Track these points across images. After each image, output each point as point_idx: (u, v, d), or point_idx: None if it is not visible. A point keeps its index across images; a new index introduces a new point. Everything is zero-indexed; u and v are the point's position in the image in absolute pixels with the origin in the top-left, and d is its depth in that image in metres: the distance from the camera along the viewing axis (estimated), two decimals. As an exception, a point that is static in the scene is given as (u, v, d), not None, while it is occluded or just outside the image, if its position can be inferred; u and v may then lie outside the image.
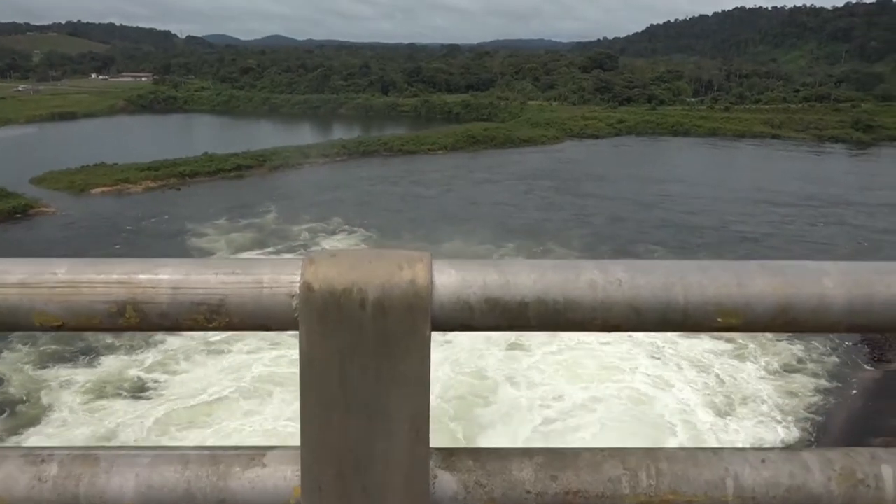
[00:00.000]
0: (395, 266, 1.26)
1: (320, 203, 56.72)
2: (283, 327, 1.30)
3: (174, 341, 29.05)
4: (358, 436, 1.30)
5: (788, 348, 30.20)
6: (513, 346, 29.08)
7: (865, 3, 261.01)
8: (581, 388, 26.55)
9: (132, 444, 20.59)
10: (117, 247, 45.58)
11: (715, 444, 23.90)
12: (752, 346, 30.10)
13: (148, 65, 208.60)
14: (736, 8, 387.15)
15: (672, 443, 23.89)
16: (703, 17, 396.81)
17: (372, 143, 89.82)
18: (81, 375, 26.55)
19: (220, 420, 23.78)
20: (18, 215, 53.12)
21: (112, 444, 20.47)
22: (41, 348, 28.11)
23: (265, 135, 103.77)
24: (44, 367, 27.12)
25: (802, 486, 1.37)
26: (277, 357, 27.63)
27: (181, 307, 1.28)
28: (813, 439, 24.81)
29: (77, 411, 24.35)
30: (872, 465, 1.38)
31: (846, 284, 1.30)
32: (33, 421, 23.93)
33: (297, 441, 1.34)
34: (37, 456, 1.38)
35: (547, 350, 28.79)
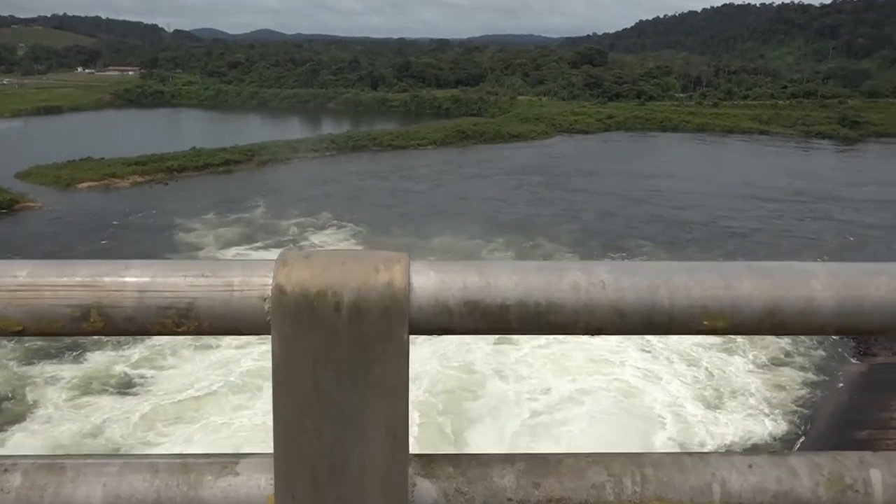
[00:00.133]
0: (371, 267, 1.23)
1: (309, 198, 56.48)
2: (254, 331, 1.26)
3: (161, 337, 28.74)
4: (333, 443, 1.26)
5: (776, 342, 30.39)
6: (501, 340, 29.07)
7: (852, 1, 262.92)
8: (569, 380, 26.63)
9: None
10: (104, 242, 45.22)
11: (706, 436, 24.06)
12: (740, 339, 30.26)
13: (135, 59, 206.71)
14: (724, 4, 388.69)
15: (662, 436, 24.01)
16: (692, 13, 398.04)
17: (361, 137, 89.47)
18: (67, 371, 26.31)
19: (208, 415, 23.64)
20: (3, 210, 52.50)
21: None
22: (26, 344, 27.84)
23: (254, 129, 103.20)
24: (29, 364, 26.86)
25: (790, 492, 1.34)
26: (266, 352, 26.76)
27: (148, 311, 1.24)
28: (801, 432, 25.00)
29: (62, 408, 24.11)
30: (861, 469, 1.36)
31: (835, 286, 1.28)
32: (18, 418, 23.68)
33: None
34: None
35: (535, 343, 28.83)
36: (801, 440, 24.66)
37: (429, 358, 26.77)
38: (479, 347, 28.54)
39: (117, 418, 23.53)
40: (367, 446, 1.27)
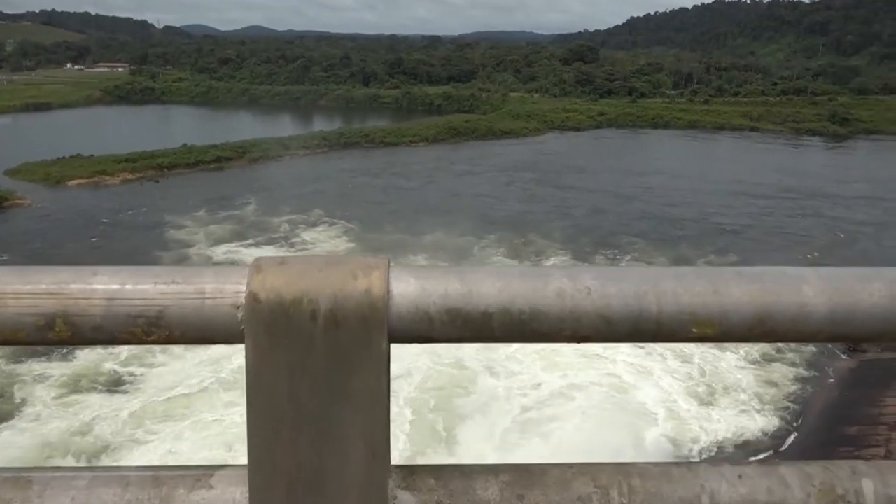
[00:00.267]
0: (349, 274, 1.19)
1: (301, 195, 56.30)
2: (227, 340, 1.22)
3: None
4: (309, 455, 1.22)
5: (767, 338, 30.51)
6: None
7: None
8: (559, 376, 26.69)
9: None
10: (94, 239, 44.98)
11: (699, 432, 24.09)
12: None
13: (124, 55, 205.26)
14: (715, 1, 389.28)
15: (654, 432, 24.06)
16: (683, 10, 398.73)
17: (353, 134, 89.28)
18: (56, 369, 26.13)
19: (199, 412, 23.54)
20: (-8, 207, 52.13)
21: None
22: (15, 342, 27.61)
23: (245, 126, 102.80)
24: (17, 362, 26.65)
25: (781, 503, 1.30)
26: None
27: (116, 320, 1.19)
28: (792, 428, 25.13)
29: (51, 406, 23.96)
30: (853, 480, 1.32)
31: (827, 292, 1.25)
32: (6, 416, 23.52)
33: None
34: None
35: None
36: (792, 436, 24.78)
37: (420, 354, 26.73)
38: (470, 343, 28.56)
39: (106, 416, 23.41)
40: (344, 459, 1.23)
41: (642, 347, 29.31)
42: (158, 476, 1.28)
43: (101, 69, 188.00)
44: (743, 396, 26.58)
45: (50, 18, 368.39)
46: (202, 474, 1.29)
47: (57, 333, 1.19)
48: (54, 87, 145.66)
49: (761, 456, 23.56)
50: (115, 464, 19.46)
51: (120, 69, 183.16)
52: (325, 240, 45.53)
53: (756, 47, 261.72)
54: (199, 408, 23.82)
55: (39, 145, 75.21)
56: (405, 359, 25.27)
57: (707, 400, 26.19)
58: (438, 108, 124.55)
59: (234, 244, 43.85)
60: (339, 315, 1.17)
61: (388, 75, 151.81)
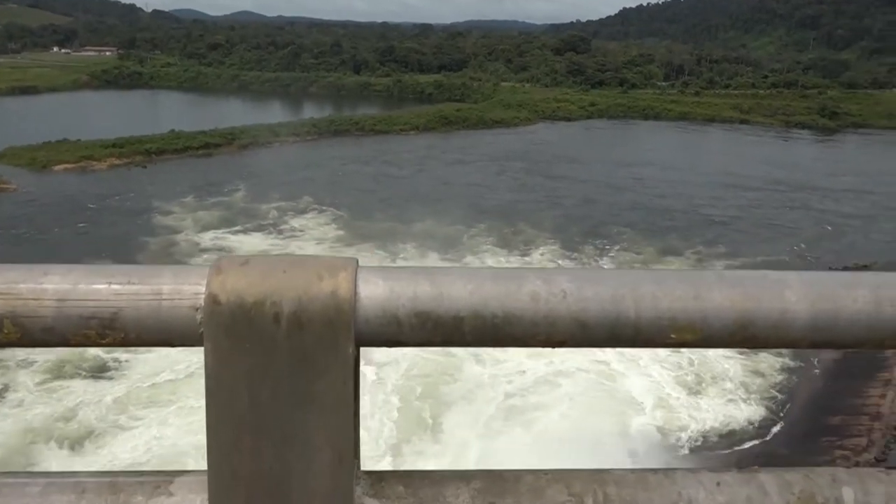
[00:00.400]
0: (315, 275, 1.13)
1: (290, 182, 55.98)
2: (186, 343, 1.17)
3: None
4: (272, 463, 1.17)
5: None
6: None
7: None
8: (545, 363, 26.70)
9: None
10: (81, 225, 44.59)
11: (688, 420, 24.19)
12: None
13: (112, 39, 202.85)
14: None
15: (640, 421, 24.17)
16: (675, 1, 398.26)
17: (343, 122, 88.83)
18: (40, 355, 25.83)
19: (185, 397, 23.39)
20: (-24, 191, 51.54)
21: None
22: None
23: (234, 112, 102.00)
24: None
25: None
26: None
27: (68, 321, 1.13)
28: (777, 418, 25.32)
29: (34, 391, 23.76)
30: (833, 488, 1.30)
31: (810, 297, 1.21)
32: (-11, 402, 23.33)
33: None
34: None
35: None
36: (777, 426, 24.97)
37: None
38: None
39: (91, 402, 23.25)
40: (309, 466, 1.17)
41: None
42: (116, 482, 1.23)
43: (89, 53, 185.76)
44: (730, 385, 26.77)
45: (36, 1, 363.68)
46: (161, 480, 1.24)
47: (5, 335, 1.13)
48: (40, 71, 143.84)
49: (749, 444, 23.77)
50: (93, 457, 19.30)
51: (108, 53, 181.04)
52: (314, 227, 45.33)
53: (747, 40, 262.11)
54: (185, 393, 23.68)
55: (25, 129, 74.38)
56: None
57: (695, 389, 26.35)
58: (429, 97, 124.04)
59: (222, 231, 43.59)
60: (304, 318, 1.12)
61: (378, 63, 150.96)
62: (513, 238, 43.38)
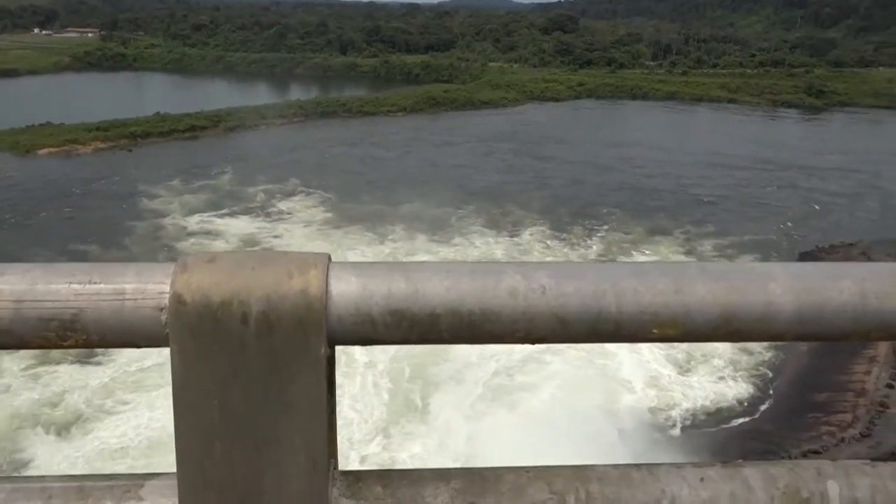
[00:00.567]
0: (284, 273, 1.09)
1: (277, 164, 55.57)
2: (152, 344, 1.14)
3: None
4: (244, 469, 1.13)
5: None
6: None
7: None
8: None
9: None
10: (67, 210, 44.10)
11: (681, 398, 24.38)
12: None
13: (94, 20, 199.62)
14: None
15: (629, 399, 24.34)
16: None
17: (330, 104, 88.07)
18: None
19: (175, 382, 23.29)
20: (-42, 176, 50.81)
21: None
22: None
23: (220, 94, 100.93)
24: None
25: None
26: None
27: (27, 323, 1.09)
28: (764, 395, 25.61)
29: (19, 377, 23.58)
30: (818, 482, 1.28)
31: (795, 290, 1.20)
32: (-26, 388, 23.17)
33: None
34: None
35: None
36: (765, 403, 25.26)
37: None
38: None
39: (77, 386, 23.13)
40: (282, 472, 1.14)
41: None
42: (83, 487, 1.19)
43: (70, 34, 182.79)
44: (719, 363, 27.00)
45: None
46: (131, 485, 1.21)
47: None
48: (21, 53, 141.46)
49: (739, 422, 24.01)
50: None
51: (90, 35, 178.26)
52: (301, 209, 45.08)
53: (735, 19, 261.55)
54: (173, 377, 23.58)
55: (6, 113, 73.20)
56: None
57: (686, 367, 26.55)
58: (417, 78, 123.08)
59: (208, 214, 43.26)
60: (273, 318, 1.08)
61: (365, 43, 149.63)
62: (501, 219, 43.34)
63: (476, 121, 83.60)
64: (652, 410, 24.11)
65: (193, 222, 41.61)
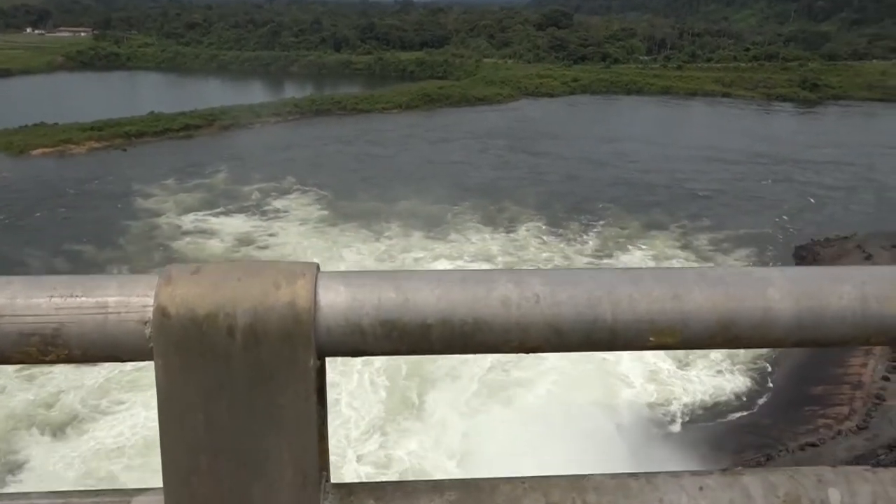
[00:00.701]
0: (271, 284, 1.07)
1: (272, 163, 55.43)
2: (136, 358, 1.11)
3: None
4: (231, 484, 1.11)
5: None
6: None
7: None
8: None
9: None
10: (61, 210, 43.92)
11: (681, 393, 24.39)
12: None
13: (87, 19, 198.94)
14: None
15: (628, 394, 24.35)
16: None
17: (325, 101, 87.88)
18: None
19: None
20: (-49, 177, 50.59)
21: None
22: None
23: (214, 93, 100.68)
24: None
25: None
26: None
27: (7, 338, 1.06)
28: (763, 389, 25.67)
29: (14, 378, 23.44)
30: (819, 489, 1.25)
31: (794, 295, 1.17)
32: (-32, 390, 23.07)
33: None
34: None
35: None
36: (763, 397, 25.30)
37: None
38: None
39: (72, 387, 23.03)
40: (271, 486, 1.11)
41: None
42: (69, 503, 1.16)
43: (63, 34, 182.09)
44: (717, 356, 27.02)
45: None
46: (118, 500, 1.18)
47: None
48: (14, 53, 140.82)
49: (737, 416, 24.03)
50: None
51: (83, 34, 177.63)
52: (297, 207, 44.99)
53: (729, 13, 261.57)
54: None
55: (0, 113, 72.97)
56: None
57: (685, 361, 26.56)
58: (411, 75, 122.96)
59: (203, 213, 43.16)
60: (260, 330, 1.05)
61: (359, 41, 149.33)
62: (497, 216, 43.30)
63: (471, 117, 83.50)
64: (650, 405, 24.11)
65: (188, 221, 41.50)
